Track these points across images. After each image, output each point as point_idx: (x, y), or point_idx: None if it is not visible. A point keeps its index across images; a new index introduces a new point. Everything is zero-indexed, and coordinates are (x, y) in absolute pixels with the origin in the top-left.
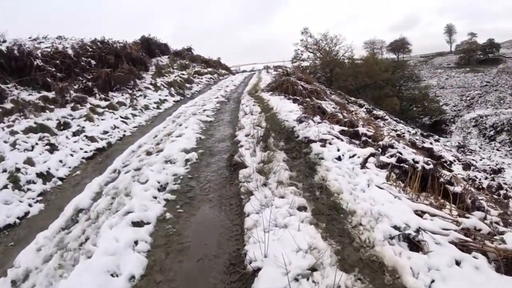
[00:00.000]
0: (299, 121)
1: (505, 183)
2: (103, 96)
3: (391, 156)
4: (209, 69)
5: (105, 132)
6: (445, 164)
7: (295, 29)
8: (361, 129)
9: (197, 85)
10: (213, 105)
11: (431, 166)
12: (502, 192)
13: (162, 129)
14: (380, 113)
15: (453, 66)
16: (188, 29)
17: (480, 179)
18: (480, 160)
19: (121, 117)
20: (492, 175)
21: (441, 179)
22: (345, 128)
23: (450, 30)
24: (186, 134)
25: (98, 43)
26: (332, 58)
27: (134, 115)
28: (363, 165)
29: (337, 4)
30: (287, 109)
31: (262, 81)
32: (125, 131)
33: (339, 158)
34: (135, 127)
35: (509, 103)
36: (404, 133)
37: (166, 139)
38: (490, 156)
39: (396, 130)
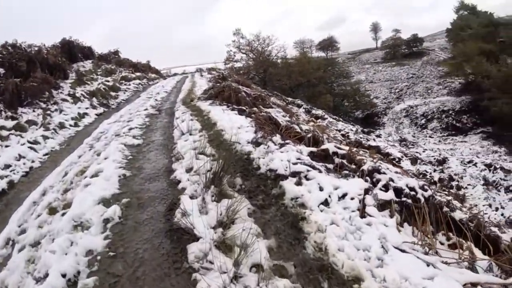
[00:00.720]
0: (255, 143)
1: (455, 174)
2: (10, 113)
3: (385, 187)
4: (138, 74)
5: (7, 166)
6: (394, 162)
7: (228, 31)
8: (331, 147)
9: (124, 93)
10: (141, 120)
11: (429, 192)
12: (454, 183)
13: (75, 160)
14: (319, 112)
15: (379, 61)
16: (122, 31)
17: (430, 173)
18: (424, 151)
19: (29, 141)
20: (439, 167)
21: (445, 208)
22: (313, 149)
23: (375, 28)
24: (105, 171)
25: (9, 48)
26: (265, 58)
27: (46, 138)
28: (363, 211)
29: (268, 4)
30: (234, 125)
31: (197, 86)
32: (33, 162)
33: (326, 203)
34: (46, 154)
35: (437, 92)
36: (348, 132)
37: (78, 180)
38: (431, 146)
39: (339, 130)
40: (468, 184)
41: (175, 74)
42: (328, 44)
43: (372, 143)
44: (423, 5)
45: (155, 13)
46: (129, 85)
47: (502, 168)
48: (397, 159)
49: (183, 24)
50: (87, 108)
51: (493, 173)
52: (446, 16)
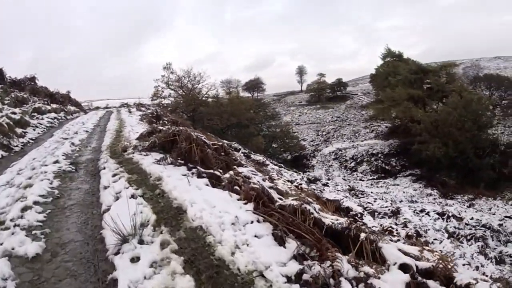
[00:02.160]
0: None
1: (419, 228)
2: None
3: None
4: (54, 106)
5: None
6: (356, 218)
7: (153, 67)
8: None
9: (35, 129)
10: (45, 185)
11: None
12: (422, 239)
13: None
14: (260, 158)
15: (304, 103)
16: (45, 59)
17: (396, 230)
18: (375, 201)
19: None
20: (395, 218)
21: None
22: None
23: (301, 71)
24: None
25: None
26: (195, 96)
27: None
28: None
29: (195, 46)
30: (222, 216)
31: (126, 125)
32: None
33: None
34: None
35: (364, 136)
36: (300, 183)
37: None
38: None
39: (291, 182)
40: (434, 239)
41: (97, 108)
42: (255, 85)
43: (328, 195)
44: (344, 53)
45: (88, 42)
46: (42, 119)
47: (454, 216)
48: (359, 215)
49: (110, 57)
50: None
51: (447, 221)
52: (365, 63)
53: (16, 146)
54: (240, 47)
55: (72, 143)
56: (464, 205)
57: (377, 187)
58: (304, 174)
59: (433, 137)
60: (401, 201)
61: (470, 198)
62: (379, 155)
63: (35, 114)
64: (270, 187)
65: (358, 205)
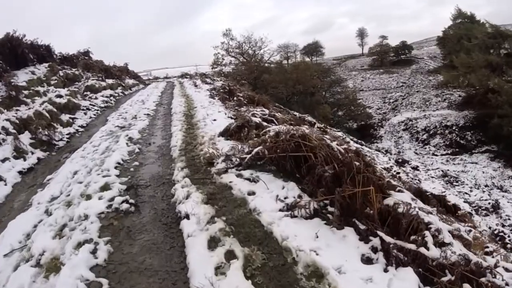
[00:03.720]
0: None
1: None
2: None
3: None
4: (110, 81)
5: None
6: (466, 220)
7: (211, 35)
8: None
9: (86, 113)
10: (83, 261)
11: None
12: None
13: None
14: (339, 133)
15: (366, 68)
16: (101, 35)
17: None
18: (471, 191)
19: None
20: (494, 212)
21: None
22: None
23: (362, 34)
24: None
25: None
26: (257, 62)
27: None
28: None
29: (252, 10)
30: None
31: (197, 107)
32: None
33: None
34: None
35: (436, 105)
36: (391, 166)
37: None
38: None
39: (387, 170)
40: None
41: (156, 79)
42: (313, 49)
43: (426, 186)
44: (406, 13)
45: (136, 16)
46: (96, 98)
47: None
48: (467, 214)
49: (165, 28)
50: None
51: None
52: (428, 24)
53: (61, 139)
54: (296, 10)
55: (130, 138)
56: None
57: (454, 164)
58: (372, 145)
59: None
60: (486, 186)
61: None
62: (454, 128)
63: (88, 92)
64: None
65: (464, 201)
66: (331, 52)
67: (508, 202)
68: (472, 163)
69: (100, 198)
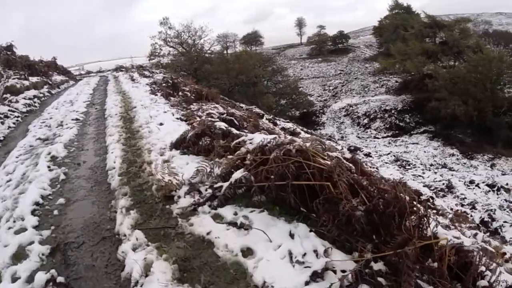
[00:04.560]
0: None
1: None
2: None
3: None
4: (35, 79)
5: None
6: (429, 204)
7: (147, 25)
8: None
9: (3, 123)
10: None
11: None
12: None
13: None
14: (289, 125)
15: (305, 57)
16: (42, 24)
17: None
18: (423, 173)
19: None
20: (449, 192)
21: None
22: None
23: (300, 23)
24: None
25: None
26: (197, 52)
27: None
28: None
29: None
30: None
31: (137, 107)
32: None
33: None
34: None
35: (374, 91)
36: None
37: None
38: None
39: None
40: (504, 221)
41: (89, 73)
42: (253, 38)
43: (388, 175)
44: (342, 4)
45: (71, 7)
46: (17, 102)
47: (502, 187)
48: (430, 199)
49: (100, 18)
50: None
51: (497, 194)
52: (363, 15)
53: None
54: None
55: (53, 157)
56: (486, 165)
57: (396, 145)
58: (315, 131)
59: (452, 94)
60: (431, 165)
61: (490, 157)
62: (392, 111)
63: (8, 95)
64: None
65: (423, 185)
66: (270, 42)
67: (459, 181)
68: (413, 143)
69: (13, 280)
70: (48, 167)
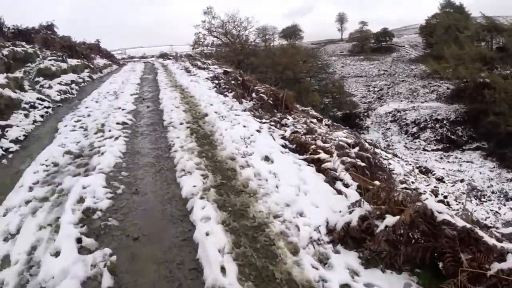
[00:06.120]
0: None
1: None
2: None
3: None
4: (75, 62)
5: None
6: None
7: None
8: None
9: (27, 115)
10: None
11: None
12: None
13: None
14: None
15: (346, 53)
16: (83, 11)
17: None
18: (499, 208)
19: None
20: None
21: None
22: None
23: (341, 18)
24: None
25: None
26: (242, 44)
27: None
28: None
29: None
30: None
31: (203, 105)
32: None
33: None
34: None
35: (423, 96)
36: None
37: None
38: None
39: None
40: None
41: (132, 58)
42: (292, 32)
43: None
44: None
45: None
46: (50, 87)
47: None
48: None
49: (144, 4)
50: None
51: None
52: (408, 12)
53: None
54: None
55: (87, 211)
56: None
57: (448, 162)
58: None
59: None
60: (493, 192)
61: None
62: (444, 122)
63: (40, 78)
64: None
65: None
66: (309, 36)
67: None
68: (467, 162)
69: None
70: (78, 241)
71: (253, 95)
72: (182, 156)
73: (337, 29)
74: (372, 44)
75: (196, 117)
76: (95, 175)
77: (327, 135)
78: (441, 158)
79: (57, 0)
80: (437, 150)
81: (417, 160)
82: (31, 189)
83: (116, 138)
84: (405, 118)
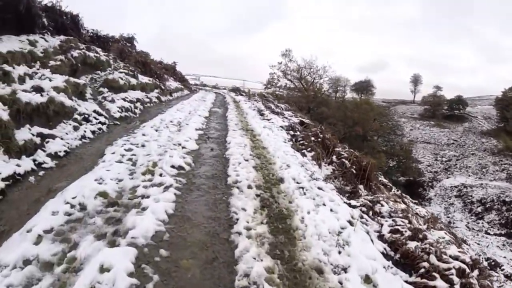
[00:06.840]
0: None
1: None
2: None
3: None
4: (146, 80)
5: None
6: None
7: (265, 53)
8: None
9: (77, 128)
10: None
11: None
12: None
13: None
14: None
15: (416, 117)
16: (169, 35)
17: None
18: None
19: None
20: None
21: None
22: None
23: (416, 80)
24: None
25: None
26: (315, 92)
27: None
28: None
29: (310, 42)
30: None
31: (278, 163)
32: None
33: None
34: None
35: (493, 174)
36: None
37: None
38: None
39: None
40: None
41: (204, 86)
42: (364, 86)
43: None
44: (462, 66)
45: (209, 19)
46: (113, 101)
47: None
48: None
49: (222, 38)
50: None
51: None
52: (483, 82)
53: None
54: (355, 45)
55: None
56: None
57: (511, 250)
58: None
59: None
60: None
61: None
62: None
63: (105, 90)
64: None
65: None
66: (381, 93)
67: None
68: None
69: None
70: None
71: (333, 157)
72: (247, 247)
73: (410, 90)
74: (445, 111)
75: (269, 180)
76: (123, 249)
77: (438, 245)
78: (504, 245)
79: (148, 17)
80: (500, 235)
81: (480, 245)
82: (38, 239)
83: (166, 188)
84: (471, 195)
